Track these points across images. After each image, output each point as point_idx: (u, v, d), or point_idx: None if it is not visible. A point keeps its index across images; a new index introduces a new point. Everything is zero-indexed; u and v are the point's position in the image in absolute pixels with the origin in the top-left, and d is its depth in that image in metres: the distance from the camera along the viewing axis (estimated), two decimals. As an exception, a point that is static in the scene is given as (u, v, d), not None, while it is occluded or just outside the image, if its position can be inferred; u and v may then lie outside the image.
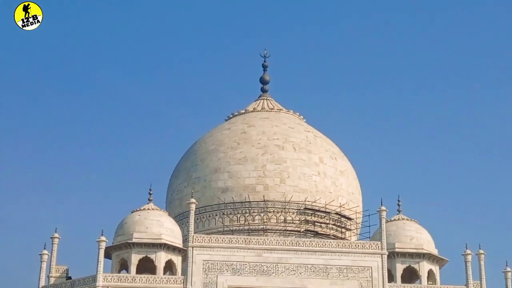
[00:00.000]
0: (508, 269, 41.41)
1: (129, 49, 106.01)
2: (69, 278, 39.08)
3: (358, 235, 47.05)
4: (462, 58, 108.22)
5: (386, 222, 40.35)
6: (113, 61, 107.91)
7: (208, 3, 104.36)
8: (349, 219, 46.69)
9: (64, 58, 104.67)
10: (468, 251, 39.93)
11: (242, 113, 53.07)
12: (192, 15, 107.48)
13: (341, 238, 44.90)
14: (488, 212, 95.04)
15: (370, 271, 38.78)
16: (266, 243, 39.47)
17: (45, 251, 39.60)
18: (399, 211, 43.27)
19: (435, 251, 41.44)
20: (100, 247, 37.04)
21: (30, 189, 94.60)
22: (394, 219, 42.59)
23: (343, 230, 46.76)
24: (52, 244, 40.17)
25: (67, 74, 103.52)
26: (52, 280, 39.76)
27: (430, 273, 41.02)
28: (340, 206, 45.80)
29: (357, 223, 46.98)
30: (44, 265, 39.67)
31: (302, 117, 53.99)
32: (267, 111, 53.24)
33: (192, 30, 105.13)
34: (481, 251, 40.62)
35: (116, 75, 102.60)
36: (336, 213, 45.78)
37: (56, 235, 40.29)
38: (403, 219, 42.76)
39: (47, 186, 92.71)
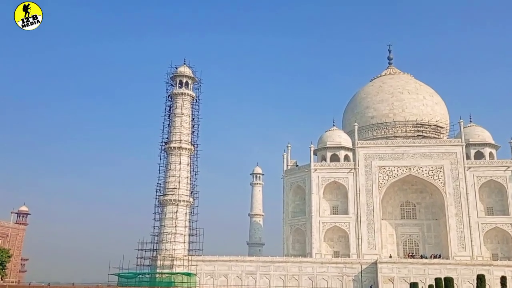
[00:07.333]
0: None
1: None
2: (297, 165, 74.82)
3: (447, 136, 75.34)
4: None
5: (464, 128, 69.23)
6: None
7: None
8: (441, 127, 74.91)
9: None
10: (512, 140, 68.16)
11: (379, 76, 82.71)
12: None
13: (438, 138, 73.16)
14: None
15: (456, 154, 67.44)
16: (396, 143, 69.42)
17: (285, 154, 75.00)
18: (470, 121, 72.46)
19: (492, 142, 70.19)
20: (311, 149, 71.22)
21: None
22: (469, 126, 71.44)
23: (438, 134, 74.80)
24: (287, 149, 75.77)
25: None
26: (289, 167, 74.93)
27: (491, 154, 69.74)
28: (436, 121, 74.56)
29: (446, 130, 75.53)
30: (284, 159, 74.70)
31: (412, 75, 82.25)
32: (392, 74, 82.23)
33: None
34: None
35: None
36: (434, 125, 74.40)
37: (289, 145, 75.86)
38: (473, 125, 71.87)
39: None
